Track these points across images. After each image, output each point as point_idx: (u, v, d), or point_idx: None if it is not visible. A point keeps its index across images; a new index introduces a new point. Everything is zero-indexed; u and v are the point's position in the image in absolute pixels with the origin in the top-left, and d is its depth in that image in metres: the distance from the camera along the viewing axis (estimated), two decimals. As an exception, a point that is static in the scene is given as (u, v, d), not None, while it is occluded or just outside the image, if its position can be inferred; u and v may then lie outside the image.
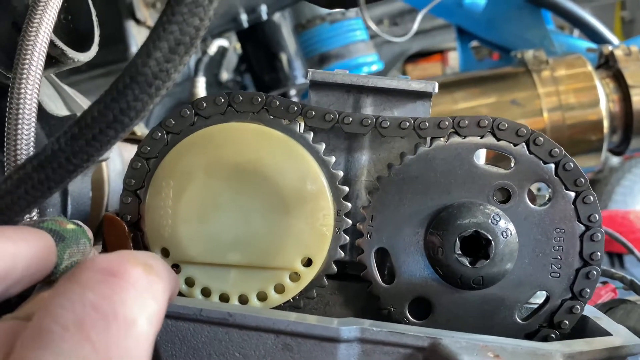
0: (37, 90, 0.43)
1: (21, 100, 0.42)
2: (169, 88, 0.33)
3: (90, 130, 0.33)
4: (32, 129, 0.43)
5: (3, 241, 0.31)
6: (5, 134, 0.44)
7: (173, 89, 1.44)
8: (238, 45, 1.72)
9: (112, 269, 0.29)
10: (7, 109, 0.42)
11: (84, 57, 0.51)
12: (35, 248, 0.33)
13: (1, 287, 0.30)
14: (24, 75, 0.43)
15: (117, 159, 0.71)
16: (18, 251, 0.31)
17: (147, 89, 0.32)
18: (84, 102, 0.68)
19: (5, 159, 0.44)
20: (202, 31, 0.31)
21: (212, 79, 1.62)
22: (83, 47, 0.52)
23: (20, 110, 0.43)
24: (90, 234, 0.39)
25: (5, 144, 0.44)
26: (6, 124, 0.44)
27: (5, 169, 0.44)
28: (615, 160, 1.82)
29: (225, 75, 1.68)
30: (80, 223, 0.39)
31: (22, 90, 0.42)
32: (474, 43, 1.70)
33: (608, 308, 0.62)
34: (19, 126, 0.43)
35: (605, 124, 1.22)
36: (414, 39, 2.38)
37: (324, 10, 1.57)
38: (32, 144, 0.44)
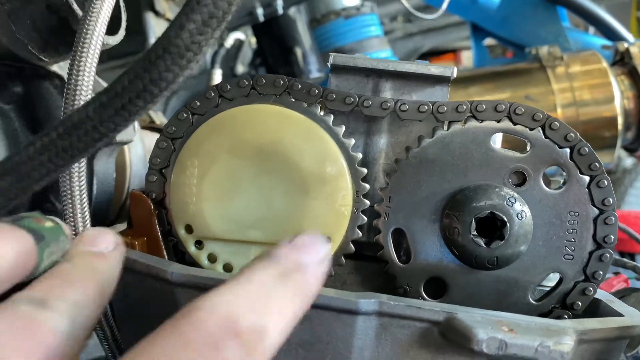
0: (94, 71, 0.42)
1: (79, 83, 0.41)
2: (199, 62, 0.34)
3: (119, 99, 0.33)
4: None
5: None
6: (63, 112, 0.43)
7: (190, 81, 1.46)
8: (253, 40, 1.74)
9: None
10: (65, 90, 0.41)
11: (113, 40, 0.52)
12: (17, 249, 0.32)
13: None
14: (83, 60, 0.42)
15: (139, 144, 0.73)
16: (1, 254, 0.30)
17: (179, 61, 0.32)
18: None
19: None
20: (234, 6, 0.32)
21: (227, 71, 1.64)
22: (111, 31, 0.54)
23: (77, 93, 0.42)
24: (68, 230, 0.38)
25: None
26: (64, 103, 0.43)
27: None
28: (628, 161, 1.82)
29: (240, 69, 1.69)
30: (58, 220, 0.37)
31: (81, 71, 0.41)
32: (488, 41, 1.70)
33: (620, 296, 0.63)
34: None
35: (620, 120, 1.22)
36: (427, 36, 2.39)
37: (339, 6, 1.58)
38: None
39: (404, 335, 0.41)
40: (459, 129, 0.48)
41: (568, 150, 0.47)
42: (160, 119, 0.99)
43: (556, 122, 0.47)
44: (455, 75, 0.49)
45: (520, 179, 0.48)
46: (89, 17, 0.41)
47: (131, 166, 0.70)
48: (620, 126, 1.23)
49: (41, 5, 0.48)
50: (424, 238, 0.48)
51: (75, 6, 0.48)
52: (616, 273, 0.73)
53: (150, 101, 0.34)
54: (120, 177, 0.68)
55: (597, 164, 0.47)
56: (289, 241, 0.34)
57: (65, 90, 0.41)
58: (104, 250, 0.36)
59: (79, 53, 0.41)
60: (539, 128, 0.47)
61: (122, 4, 0.55)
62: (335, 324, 0.41)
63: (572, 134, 0.47)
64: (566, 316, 0.48)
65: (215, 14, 0.32)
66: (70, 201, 0.41)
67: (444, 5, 1.33)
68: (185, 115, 0.49)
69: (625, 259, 0.68)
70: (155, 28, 1.23)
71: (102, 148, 0.58)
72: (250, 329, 0.28)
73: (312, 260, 0.33)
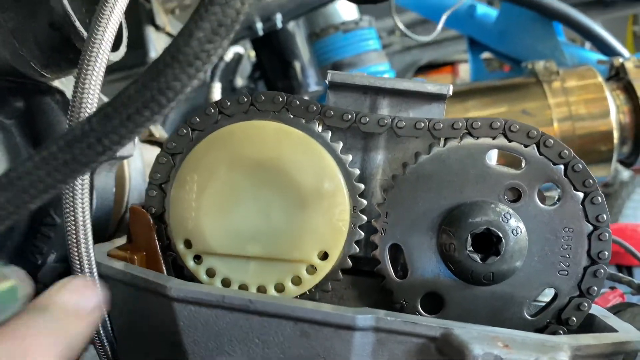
0: (99, 89, 0.43)
1: (84, 102, 0.41)
2: (207, 71, 0.33)
3: (125, 110, 0.31)
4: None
5: None
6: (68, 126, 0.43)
7: (189, 94, 1.47)
8: (252, 54, 1.75)
9: None
10: (70, 108, 0.41)
11: (114, 56, 0.53)
12: None
13: None
14: (89, 76, 0.41)
15: (139, 158, 0.74)
16: None
17: (188, 69, 0.31)
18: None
19: None
20: (242, 14, 0.31)
21: (227, 85, 1.65)
22: (113, 47, 0.54)
23: (82, 112, 0.41)
24: (28, 289, 0.35)
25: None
26: (67, 122, 0.43)
27: None
28: (625, 174, 1.82)
29: (239, 82, 1.70)
30: (16, 274, 0.34)
31: (86, 90, 0.41)
32: (485, 55, 1.72)
33: (615, 311, 0.63)
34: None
35: (616, 134, 1.23)
36: (425, 50, 2.40)
37: (338, 20, 1.59)
38: None
39: (401, 350, 0.41)
40: (455, 146, 0.49)
41: (562, 167, 0.48)
42: (159, 132, 1.00)
43: (550, 140, 0.48)
44: (450, 93, 0.50)
45: (516, 195, 0.48)
46: (93, 37, 0.42)
47: (130, 180, 0.71)
48: (616, 140, 1.24)
49: (44, 23, 0.49)
50: (420, 253, 0.49)
51: (77, 24, 0.49)
52: (612, 288, 0.74)
53: (158, 112, 0.32)
54: (120, 190, 0.69)
55: (591, 181, 0.47)
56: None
57: (70, 108, 0.42)
58: (84, 308, 0.34)
59: (83, 72, 0.41)
60: (534, 145, 0.48)
61: (123, 20, 0.56)
62: (333, 340, 0.41)
63: (566, 151, 0.48)
64: (561, 332, 0.48)
65: (224, 22, 0.31)
66: (72, 217, 0.42)
67: (439, 27, 1.35)
68: (185, 131, 0.50)
69: (620, 274, 0.69)
70: (156, 42, 1.24)
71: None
72: None
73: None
